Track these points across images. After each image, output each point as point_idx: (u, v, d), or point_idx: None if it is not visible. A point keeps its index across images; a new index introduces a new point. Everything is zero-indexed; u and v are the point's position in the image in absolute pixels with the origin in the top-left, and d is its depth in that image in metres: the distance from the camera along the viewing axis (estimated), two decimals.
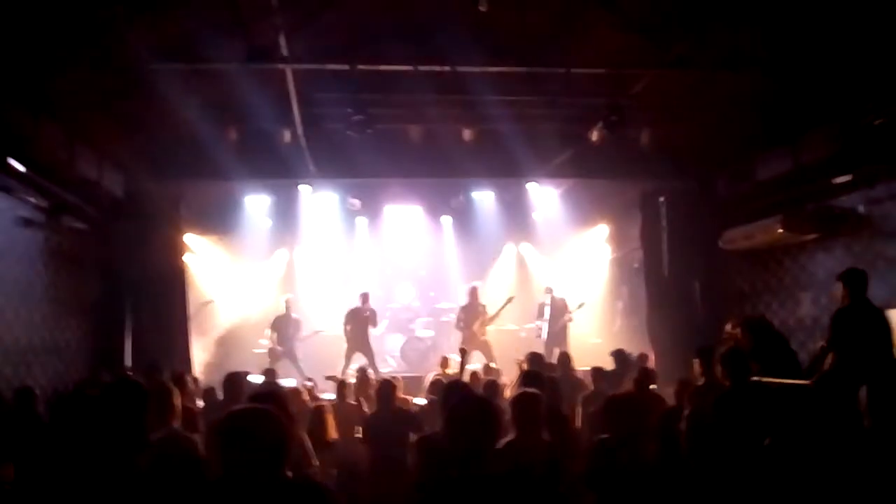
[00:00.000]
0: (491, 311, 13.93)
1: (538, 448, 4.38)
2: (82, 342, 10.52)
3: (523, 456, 4.16)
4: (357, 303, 13.78)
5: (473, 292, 14.20)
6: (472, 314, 13.85)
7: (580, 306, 13.94)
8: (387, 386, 6.92)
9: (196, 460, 4.68)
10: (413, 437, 5.85)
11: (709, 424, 3.18)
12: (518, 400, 4.57)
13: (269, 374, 10.22)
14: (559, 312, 13.94)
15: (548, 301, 14.18)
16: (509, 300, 14.14)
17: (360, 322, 13.55)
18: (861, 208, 9.18)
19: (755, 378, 5.91)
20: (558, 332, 13.81)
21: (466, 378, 9.81)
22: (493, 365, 11.40)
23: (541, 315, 14.25)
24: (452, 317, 14.73)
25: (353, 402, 7.78)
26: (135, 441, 3.32)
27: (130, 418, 3.77)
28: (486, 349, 13.44)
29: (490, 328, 13.89)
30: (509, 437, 4.43)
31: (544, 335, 13.94)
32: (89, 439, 2.95)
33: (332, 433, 6.19)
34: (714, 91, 9.75)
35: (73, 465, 2.90)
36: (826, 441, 3.37)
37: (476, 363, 12.06)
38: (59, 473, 2.95)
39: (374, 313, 13.84)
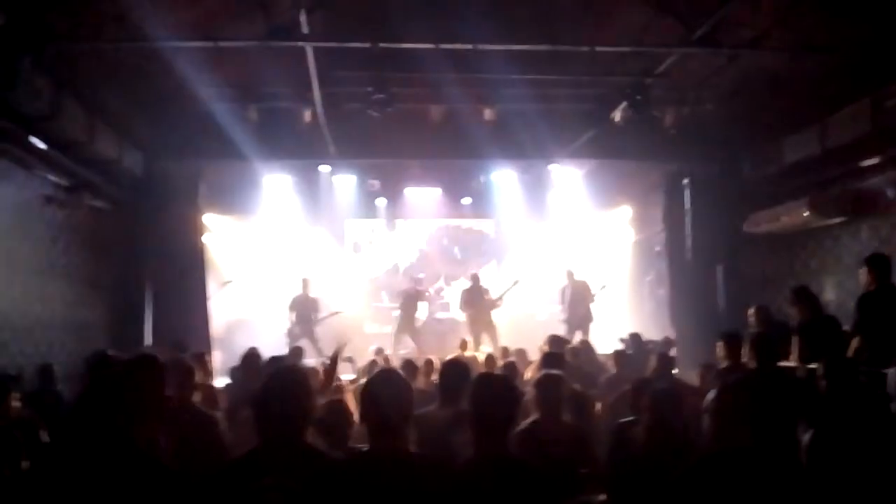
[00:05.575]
0: (496, 294, 14.10)
1: (560, 430, 4.36)
2: (103, 320, 10.57)
3: (545, 437, 4.13)
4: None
5: (475, 277, 14.50)
6: (474, 297, 13.92)
7: (602, 288, 13.82)
8: (407, 367, 6.83)
9: (215, 435, 4.75)
10: None
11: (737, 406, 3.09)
12: (541, 382, 4.54)
13: (296, 351, 10.13)
14: (580, 296, 13.79)
15: (568, 284, 14.08)
16: (515, 283, 14.15)
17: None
18: (889, 191, 9.01)
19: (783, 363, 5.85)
20: (581, 316, 13.63)
21: (482, 360, 9.81)
22: (510, 348, 11.34)
23: (562, 299, 14.15)
24: None
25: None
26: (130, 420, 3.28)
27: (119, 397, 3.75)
28: (491, 332, 13.46)
29: (506, 311, 13.92)
30: (532, 418, 4.39)
31: (565, 319, 13.84)
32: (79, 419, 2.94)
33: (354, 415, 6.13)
34: (740, 71, 9.57)
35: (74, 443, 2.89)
36: (857, 426, 3.30)
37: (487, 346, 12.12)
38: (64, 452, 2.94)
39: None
